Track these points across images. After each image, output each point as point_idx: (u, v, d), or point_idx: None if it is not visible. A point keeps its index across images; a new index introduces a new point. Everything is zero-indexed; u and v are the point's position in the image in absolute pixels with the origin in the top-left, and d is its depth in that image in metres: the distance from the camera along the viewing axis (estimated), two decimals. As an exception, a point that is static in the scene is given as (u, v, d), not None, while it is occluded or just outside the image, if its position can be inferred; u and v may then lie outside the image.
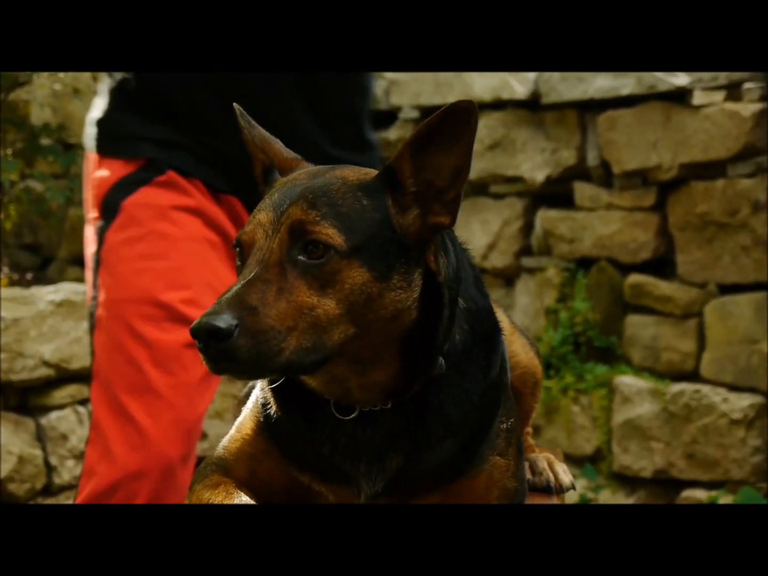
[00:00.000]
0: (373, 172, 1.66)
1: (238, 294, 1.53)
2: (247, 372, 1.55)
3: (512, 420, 1.78)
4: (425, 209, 1.62)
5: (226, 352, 1.50)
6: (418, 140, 1.60)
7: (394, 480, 1.69)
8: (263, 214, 1.62)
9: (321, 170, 1.70)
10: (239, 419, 1.82)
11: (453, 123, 1.57)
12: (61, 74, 5.45)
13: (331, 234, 1.56)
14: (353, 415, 1.67)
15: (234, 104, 1.84)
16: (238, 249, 1.64)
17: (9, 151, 5.24)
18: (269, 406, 1.74)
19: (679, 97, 4.63)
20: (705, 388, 4.65)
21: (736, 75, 4.49)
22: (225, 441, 1.80)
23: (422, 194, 1.62)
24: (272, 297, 1.53)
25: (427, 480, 1.70)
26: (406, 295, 1.59)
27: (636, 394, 4.80)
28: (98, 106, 2.58)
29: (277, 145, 1.81)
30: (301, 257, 1.57)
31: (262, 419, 1.75)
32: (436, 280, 1.64)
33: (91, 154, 2.58)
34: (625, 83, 4.71)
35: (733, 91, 4.52)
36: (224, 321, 1.49)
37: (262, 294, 1.53)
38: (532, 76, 4.95)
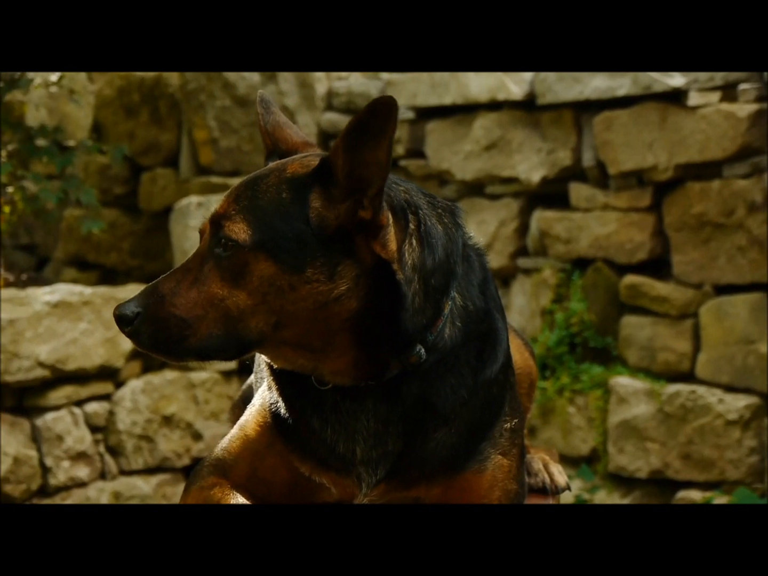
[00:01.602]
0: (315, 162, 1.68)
1: (156, 283, 1.64)
2: (159, 354, 1.65)
3: (516, 420, 1.78)
4: (356, 203, 1.63)
5: (132, 335, 1.62)
6: (350, 135, 1.62)
7: (394, 468, 1.69)
8: (218, 203, 1.68)
9: (291, 159, 1.72)
10: (241, 419, 1.82)
11: (376, 117, 1.59)
12: (53, 77, 5.43)
13: (237, 230, 1.61)
14: (328, 386, 1.69)
15: (259, 91, 1.86)
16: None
17: (4, 153, 5.24)
18: (271, 388, 1.76)
19: (675, 97, 4.63)
20: (701, 389, 4.65)
21: (732, 75, 4.48)
22: (225, 442, 1.79)
23: (353, 189, 1.63)
24: (186, 287, 1.62)
25: (425, 469, 1.70)
26: (326, 288, 1.61)
27: (632, 394, 4.80)
28: None
29: (289, 130, 1.83)
30: (217, 249, 1.63)
31: (267, 403, 1.77)
32: (391, 268, 1.64)
33: None
34: (621, 84, 4.70)
35: (729, 92, 4.52)
36: (129, 308, 1.61)
37: (176, 283, 1.62)
38: (528, 76, 4.94)
